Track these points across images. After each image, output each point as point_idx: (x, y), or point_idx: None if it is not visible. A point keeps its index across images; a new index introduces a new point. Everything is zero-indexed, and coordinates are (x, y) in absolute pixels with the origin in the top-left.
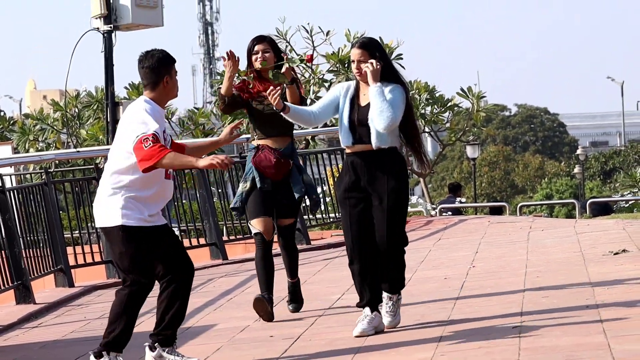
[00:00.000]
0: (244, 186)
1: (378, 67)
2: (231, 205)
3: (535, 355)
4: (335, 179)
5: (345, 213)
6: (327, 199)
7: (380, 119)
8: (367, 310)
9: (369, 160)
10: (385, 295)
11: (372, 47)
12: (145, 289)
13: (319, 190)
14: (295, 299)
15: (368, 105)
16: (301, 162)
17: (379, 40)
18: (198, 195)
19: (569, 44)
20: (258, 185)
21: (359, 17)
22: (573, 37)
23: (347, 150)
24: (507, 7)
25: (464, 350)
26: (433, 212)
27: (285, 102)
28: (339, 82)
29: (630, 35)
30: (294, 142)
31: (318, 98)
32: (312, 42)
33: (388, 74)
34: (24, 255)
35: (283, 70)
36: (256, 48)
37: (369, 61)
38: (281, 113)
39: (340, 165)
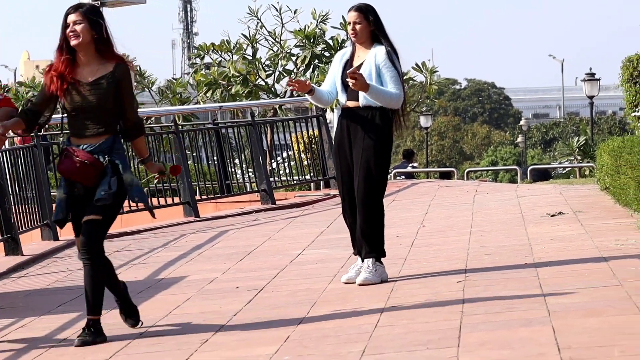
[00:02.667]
0: (61, 194)
1: (359, 78)
2: (53, 218)
3: (477, 307)
4: (313, 140)
5: (336, 167)
6: (292, 163)
7: (393, 106)
8: (359, 260)
9: (355, 117)
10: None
11: (366, 11)
12: None
13: (284, 155)
14: (95, 334)
15: (360, 66)
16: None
17: (373, 6)
18: (174, 157)
19: (516, 24)
20: (65, 191)
21: None
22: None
23: (342, 108)
24: None
25: (413, 302)
26: (388, 176)
27: (313, 85)
28: (305, 56)
29: (572, 18)
30: (115, 139)
31: (286, 71)
32: (281, 20)
33: (380, 37)
34: (14, 211)
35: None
36: (69, 19)
37: (348, 79)
38: (307, 95)
39: (304, 133)
